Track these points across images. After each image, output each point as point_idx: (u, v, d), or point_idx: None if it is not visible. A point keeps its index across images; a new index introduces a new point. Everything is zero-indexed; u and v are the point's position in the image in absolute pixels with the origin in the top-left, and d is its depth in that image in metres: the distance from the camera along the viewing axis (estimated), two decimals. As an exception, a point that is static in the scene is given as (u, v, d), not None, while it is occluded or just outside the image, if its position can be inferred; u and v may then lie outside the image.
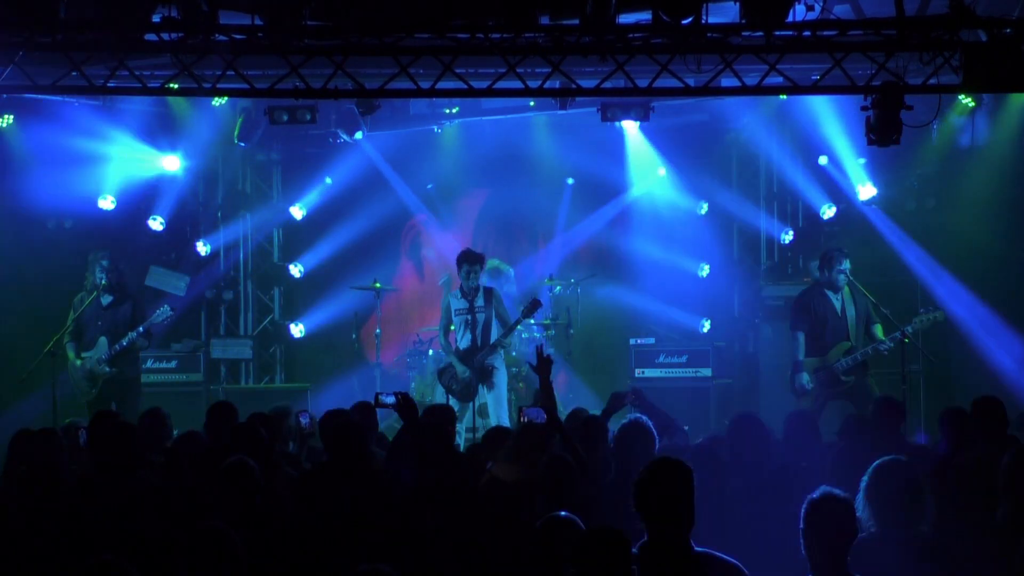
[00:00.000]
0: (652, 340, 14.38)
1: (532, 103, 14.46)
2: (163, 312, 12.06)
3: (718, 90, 11.05)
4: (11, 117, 13.07)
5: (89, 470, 7.48)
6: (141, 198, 14.45)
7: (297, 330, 15.59)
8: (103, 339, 11.92)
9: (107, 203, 14.02)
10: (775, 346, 13.71)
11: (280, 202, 15.96)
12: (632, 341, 14.23)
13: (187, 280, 14.66)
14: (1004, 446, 6.96)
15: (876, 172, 13.99)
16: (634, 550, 4.86)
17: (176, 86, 10.80)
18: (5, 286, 13.77)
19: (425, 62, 10.22)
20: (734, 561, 5.06)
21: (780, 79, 10.28)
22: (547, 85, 10.57)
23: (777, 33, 9.91)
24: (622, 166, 15.32)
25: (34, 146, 13.56)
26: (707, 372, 13.95)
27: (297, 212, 15.67)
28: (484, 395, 12.07)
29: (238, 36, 9.88)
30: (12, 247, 13.94)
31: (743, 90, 10.60)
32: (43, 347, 11.82)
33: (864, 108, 10.18)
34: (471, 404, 12.11)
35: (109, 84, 10.54)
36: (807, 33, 9.87)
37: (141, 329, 11.95)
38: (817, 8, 9.63)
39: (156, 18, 9.82)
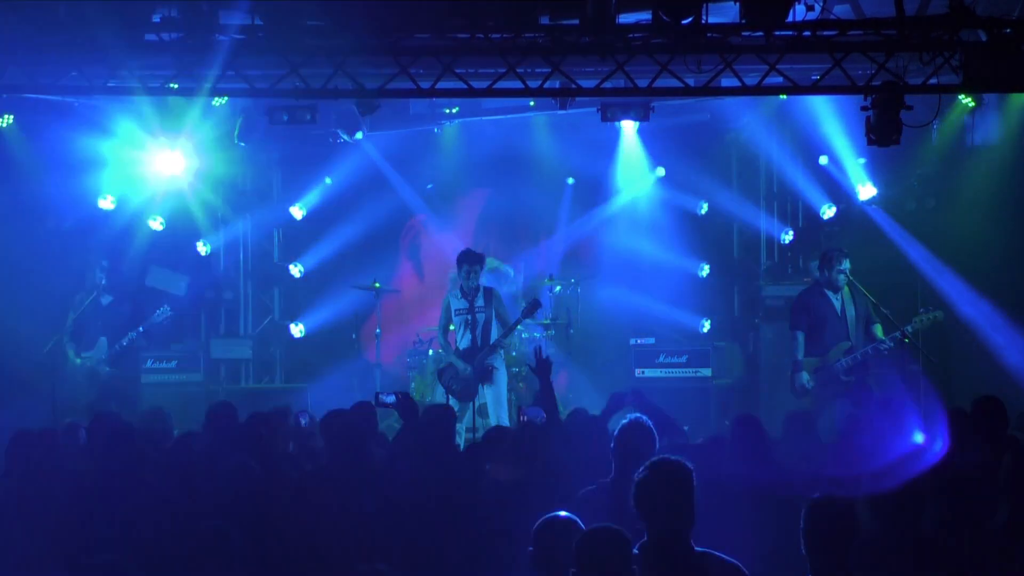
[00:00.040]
0: (652, 340, 14.38)
1: (532, 103, 14.46)
2: (163, 312, 12.07)
3: (718, 90, 11.06)
4: (11, 117, 13.04)
5: (89, 470, 7.47)
6: (141, 198, 14.44)
7: (297, 330, 15.59)
8: (103, 339, 11.93)
9: (107, 203, 14.01)
10: (775, 346, 13.71)
11: (280, 202, 15.95)
12: (632, 341, 14.23)
13: (187, 280, 14.66)
14: (1004, 446, 6.96)
15: (876, 172, 13.99)
16: (634, 550, 4.86)
17: (176, 86, 10.80)
18: (5, 286, 13.75)
19: (425, 62, 10.22)
20: (734, 561, 5.05)
21: (780, 79, 10.28)
22: (547, 85, 10.57)
23: (777, 33, 9.91)
24: (628, 165, 15.33)
25: (34, 146, 13.54)
26: (707, 372, 13.95)
27: (297, 212, 15.66)
28: (484, 395, 12.07)
29: (238, 36, 9.88)
30: (12, 247, 13.92)
31: (743, 90, 10.59)
32: (43, 347, 11.82)
33: (864, 108, 10.18)
34: (471, 404, 12.11)
35: (109, 84, 10.54)
36: (807, 33, 9.88)
37: (141, 329, 11.95)
38: (817, 8, 9.63)
39: (156, 18, 9.82)
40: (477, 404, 12.11)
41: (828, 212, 14.54)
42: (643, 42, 9.97)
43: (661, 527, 5.01)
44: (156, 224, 14.50)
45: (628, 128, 14.48)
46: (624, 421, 7.35)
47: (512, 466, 6.95)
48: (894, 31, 9.83)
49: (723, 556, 5.05)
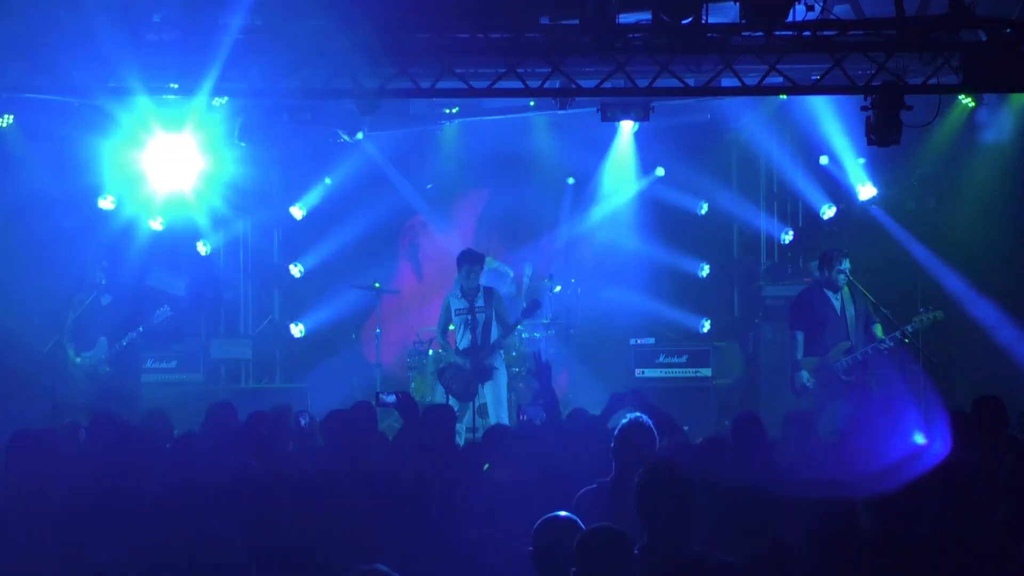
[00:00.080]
0: (652, 340, 14.40)
1: (532, 103, 14.46)
2: (163, 312, 12.06)
3: (718, 90, 11.06)
4: (11, 117, 13.05)
5: (89, 470, 7.47)
6: (141, 198, 14.43)
7: (297, 330, 15.59)
8: (103, 339, 11.93)
9: (107, 203, 14.01)
10: (775, 346, 13.71)
11: (280, 202, 15.95)
12: (632, 341, 14.24)
13: (187, 280, 14.66)
14: (1004, 446, 6.96)
15: (876, 172, 14.00)
16: (635, 551, 4.86)
17: (176, 86, 10.80)
18: (5, 286, 13.75)
19: (425, 62, 10.22)
20: (733, 562, 5.05)
21: (780, 79, 10.28)
22: (547, 85, 10.57)
23: (777, 33, 9.92)
24: (617, 167, 15.34)
25: (34, 146, 13.55)
26: (707, 372, 13.96)
27: (297, 212, 15.66)
28: (484, 395, 12.08)
29: (238, 36, 9.87)
30: (12, 247, 13.92)
31: (743, 90, 10.60)
32: (43, 347, 11.83)
33: (864, 108, 10.19)
34: (471, 404, 12.11)
35: (109, 84, 10.53)
36: (807, 33, 9.88)
37: (141, 329, 11.95)
38: (817, 8, 9.63)
39: (156, 18, 9.82)
40: (477, 404, 12.11)
41: (828, 212, 14.55)
42: (643, 42, 9.98)
43: (660, 528, 5.02)
44: (156, 224, 14.49)
45: (625, 129, 14.47)
46: (624, 421, 7.36)
47: (512, 466, 6.95)
48: (894, 31, 9.84)
49: (722, 556, 5.05)
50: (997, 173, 13.39)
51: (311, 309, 15.71)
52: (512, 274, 14.88)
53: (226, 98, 12.98)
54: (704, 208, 15.42)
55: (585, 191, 15.83)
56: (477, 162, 15.67)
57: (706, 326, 15.09)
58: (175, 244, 15.08)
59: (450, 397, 12.02)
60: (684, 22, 9.54)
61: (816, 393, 11.45)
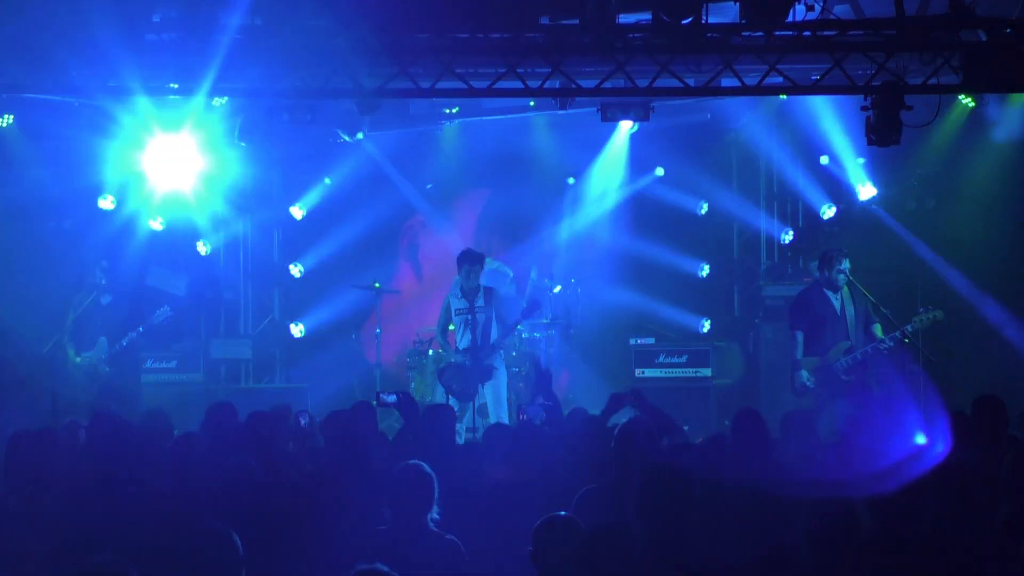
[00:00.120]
0: (652, 340, 14.40)
1: (532, 103, 14.46)
2: (163, 312, 12.07)
3: (718, 90, 11.07)
4: (11, 117, 13.06)
5: (89, 470, 7.47)
6: (141, 198, 14.44)
7: (297, 330, 15.59)
8: (103, 339, 11.93)
9: (107, 203, 14.01)
10: (775, 346, 13.70)
11: (280, 202, 15.95)
12: (632, 341, 14.24)
13: (187, 280, 14.66)
14: (1005, 446, 6.96)
15: (876, 172, 14.00)
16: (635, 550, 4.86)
17: (176, 86, 10.80)
18: (5, 286, 13.76)
19: (425, 62, 10.22)
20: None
21: (780, 79, 10.28)
22: (547, 85, 10.57)
23: (777, 33, 9.92)
24: (607, 167, 15.34)
25: (34, 146, 13.55)
26: (707, 372, 13.96)
27: (297, 212, 15.66)
28: (484, 395, 12.08)
29: (238, 36, 9.87)
30: (12, 247, 13.93)
31: (743, 90, 10.60)
32: (43, 347, 11.83)
33: (864, 108, 10.19)
34: (471, 404, 12.12)
35: (109, 84, 10.53)
36: (807, 33, 9.89)
37: (141, 329, 11.95)
38: (817, 8, 9.63)
39: (156, 18, 9.83)
40: (477, 404, 12.12)
41: (828, 212, 14.54)
42: (643, 42, 9.99)
43: (661, 528, 5.02)
44: (156, 224, 14.49)
45: (622, 129, 14.48)
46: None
47: (512, 466, 6.96)
48: (894, 31, 9.84)
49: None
50: (997, 173, 13.39)
51: (311, 309, 15.71)
52: (512, 274, 14.87)
53: (226, 98, 12.99)
54: (704, 208, 15.42)
55: (584, 191, 15.83)
56: (477, 162, 15.67)
57: (706, 326, 15.09)
58: (175, 244, 15.08)
59: (450, 397, 12.03)
60: (684, 22, 9.54)
61: (816, 393, 11.45)
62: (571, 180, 15.86)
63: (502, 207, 15.95)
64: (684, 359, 14.01)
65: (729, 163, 15.74)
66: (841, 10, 10.47)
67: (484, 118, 15.36)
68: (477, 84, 10.73)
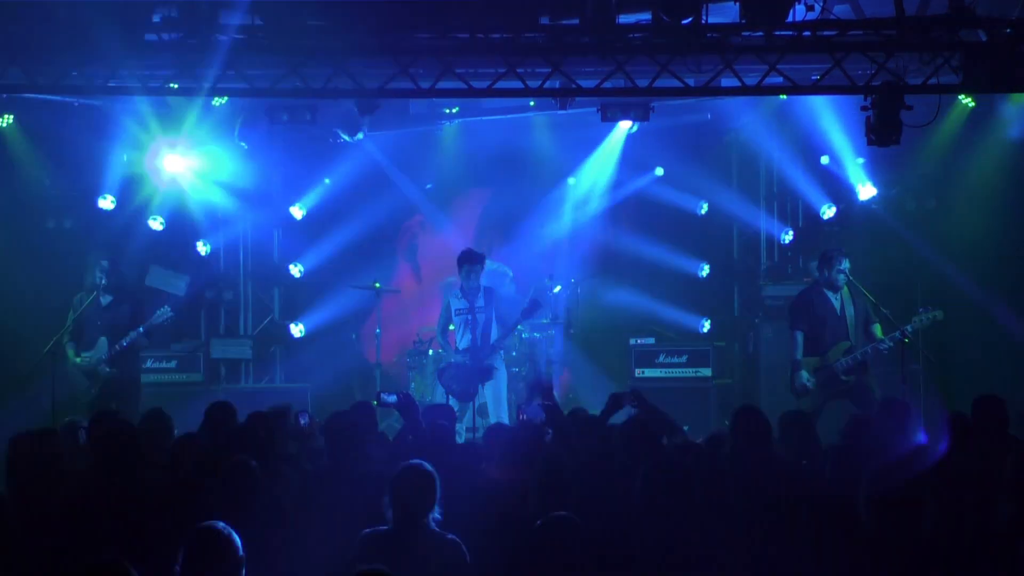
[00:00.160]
0: (652, 340, 14.40)
1: (532, 103, 14.46)
2: (163, 312, 12.07)
3: (718, 90, 11.07)
4: (11, 117, 13.07)
5: (89, 470, 7.47)
6: (141, 198, 14.45)
7: (297, 330, 15.58)
8: (103, 339, 11.93)
9: (107, 203, 14.02)
10: (775, 346, 13.70)
11: (280, 202, 15.94)
12: (632, 341, 14.24)
13: (187, 280, 14.66)
14: (1006, 446, 6.96)
15: (876, 172, 13.99)
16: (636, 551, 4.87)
17: (176, 86, 10.80)
18: (5, 286, 13.76)
19: (425, 62, 10.22)
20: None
21: (780, 79, 10.29)
22: (547, 85, 10.58)
23: (777, 33, 9.92)
24: (620, 164, 15.32)
25: (34, 146, 13.56)
26: (707, 372, 13.96)
27: (297, 212, 15.66)
28: (484, 395, 12.09)
29: (238, 36, 9.88)
30: (12, 247, 13.93)
31: (743, 90, 10.60)
32: (43, 347, 11.83)
33: (864, 108, 10.19)
34: (471, 404, 12.12)
35: (109, 84, 10.54)
36: (807, 33, 9.89)
37: (141, 329, 11.95)
38: (817, 8, 9.64)
39: (156, 18, 9.83)
40: (477, 404, 12.13)
41: (828, 212, 14.54)
42: (643, 42, 9.99)
43: (660, 529, 5.02)
44: (156, 224, 14.50)
45: (620, 128, 14.48)
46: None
47: (511, 466, 6.95)
48: (894, 31, 9.84)
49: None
50: (997, 173, 13.38)
51: (311, 309, 15.70)
52: (512, 274, 14.88)
53: (226, 98, 13.00)
54: (704, 208, 15.41)
55: (579, 189, 15.82)
56: (477, 162, 15.65)
57: (706, 326, 15.09)
58: (175, 244, 15.08)
59: (450, 397, 12.03)
60: (684, 22, 9.54)
61: (816, 393, 11.45)
62: (571, 180, 15.85)
63: (502, 207, 15.95)
64: (684, 359, 14.01)
65: (729, 163, 15.74)
66: (841, 10, 10.47)
67: (484, 118, 15.35)
68: (477, 84, 10.73)
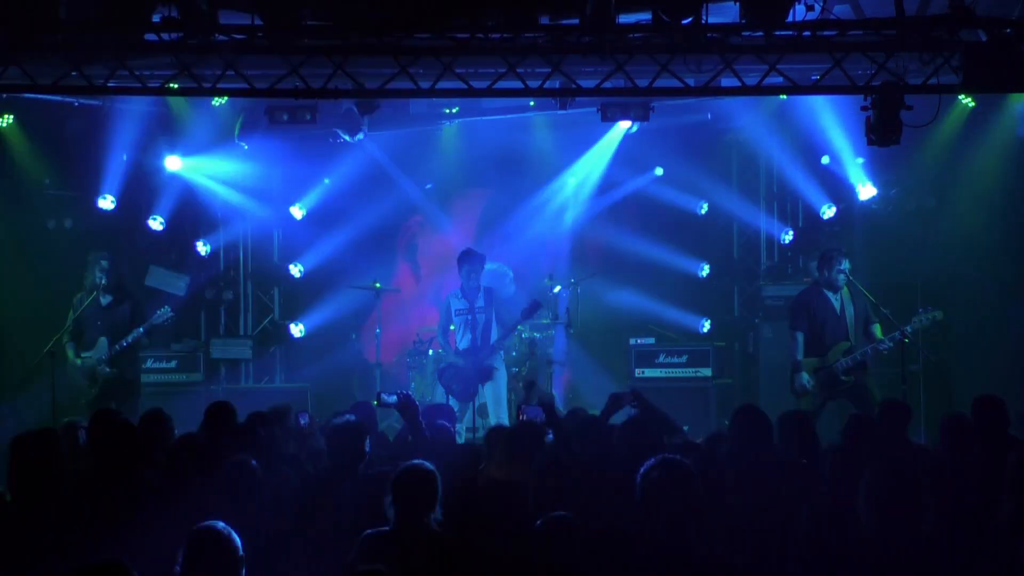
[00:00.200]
0: (652, 340, 14.41)
1: (532, 103, 14.46)
2: (163, 312, 12.07)
3: (718, 90, 11.07)
4: (11, 117, 13.08)
5: (89, 470, 7.47)
6: (141, 198, 14.45)
7: (297, 330, 15.58)
8: (103, 339, 11.93)
9: (107, 203, 14.03)
10: (775, 346, 13.71)
11: (280, 202, 15.94)
12: (632, 341, 14.24)
13: (187, 280, 14.67)
14: (1005, 445, 6.96)
15: (876, 172, 14.00)
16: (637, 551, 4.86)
17: (176, 86, 10.80)
18: (5, 286, 13.77)
19: (425, 62, 10.22)
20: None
21: (780, 79, 10.28)
22: (547, 85, 10.57)
23: (777, 33, 9.92)
24: (620, 164, 15.32)
25: (34, 146, 13.56)
26: (707, 372, 13.96)
27: (297, 212, 15.66)
28: (484, 395, 12.09)
29: (238, 36, 9.88)
30: (12, 247, 13.94)
31: (743, 90, 10.59)
32: (43, 347, 11.83)
33: (864, 108, 10.19)
34: (471, 404, 12.13)
35: (109, 84, 10.54)
36: (807, 33, 9.88)
37: (141, 329, 11.96)
38: (817, 8, 9.63)
39: (156, 18, 9.82)
40: (477, 404, 12.13)
41: (828, 212, 14.54)
42: (643, 42, 9.98)
43: (663, 526, 5.01)
44: (156, 224, 14.51)
45: (619, 128, 14.48)
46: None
47: (511, 466, 6.96)
48: (894, 31, 9.83)
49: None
50: (997, 172, 13.38)
51: (311, 309, 15.70)
52: (512, 274, 14.87)
53: (226, 98, 13.00)
54: (704, 208, 15.41)
55: (576, 187, 15.84)
56: (477, 162, 15.64)
57: (706, 326, 15.09)
58: (175, 244, 15.09)
59: (450, 397, 12.03)
60: (684, 22, 9.54)
61: (816, 393, 11.45)
62: (572, 180, 15.85)
63: (502, 207, 15.95)
64: (684, 359, 14.01)
65: (729, 163, 15.74)
66: (841, 10, 10.46)
67: (484, 118, 15.34)
68: (477, 84, 10.73)
